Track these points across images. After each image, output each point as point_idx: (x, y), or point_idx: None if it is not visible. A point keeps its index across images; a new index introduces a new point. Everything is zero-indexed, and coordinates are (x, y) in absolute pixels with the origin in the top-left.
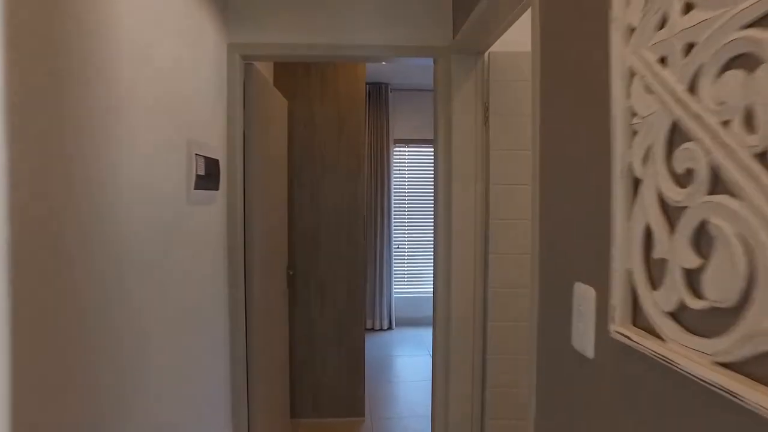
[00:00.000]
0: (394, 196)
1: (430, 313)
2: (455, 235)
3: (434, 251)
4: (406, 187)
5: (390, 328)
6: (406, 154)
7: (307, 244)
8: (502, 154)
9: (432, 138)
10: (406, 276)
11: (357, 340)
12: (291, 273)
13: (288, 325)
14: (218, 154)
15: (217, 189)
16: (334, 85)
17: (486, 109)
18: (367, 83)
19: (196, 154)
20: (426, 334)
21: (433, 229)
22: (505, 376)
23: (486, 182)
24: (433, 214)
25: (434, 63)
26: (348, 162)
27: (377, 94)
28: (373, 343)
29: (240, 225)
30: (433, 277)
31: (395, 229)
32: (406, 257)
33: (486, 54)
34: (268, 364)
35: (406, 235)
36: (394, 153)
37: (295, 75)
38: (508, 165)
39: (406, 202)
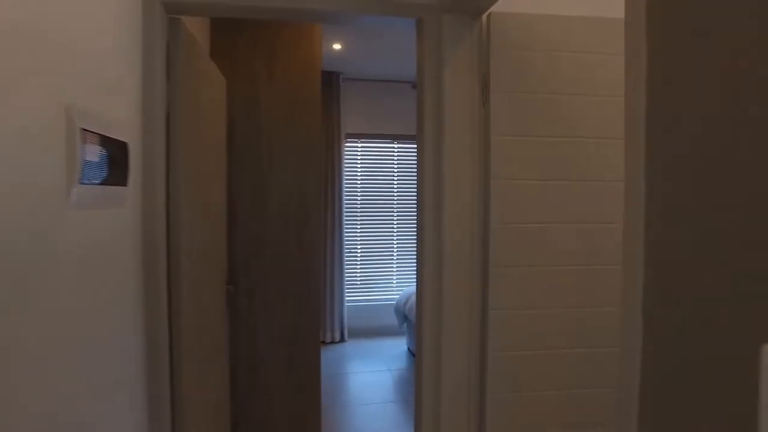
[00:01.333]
0: (346, 195)
1: (386, 322)
2: (447, 246)
3: (419, 271)
4: (359, 185)
5: (342, 340)
6: (359, 149)
7: (250, 252)
8: (506, 141)
9: (389, 132)
10: (359, 282)
11: (311, 358)
12: (231, 289)
13: (228, 352)
14: (126, 134)
15: (124, 184)
16: (284, 62)
17: (486, 86)
18: None
19: (83, 130)
20: (382, 346)
21: (418, 239)
22: None
23: (485, 177)
24: (417, 220)
25: (418, 27)
26: (299, 156)
27: (328, 84)
28: (324, 358)
29: (162, 235)
30: (417, 312)
31: (347, 232)
32: (359, 262)
33: (486, 15)
34: (202, 412)
35: (359, 238)
36: (346, 149)
37: (236, 47)
38: (514, 155)
39: (359, 202)
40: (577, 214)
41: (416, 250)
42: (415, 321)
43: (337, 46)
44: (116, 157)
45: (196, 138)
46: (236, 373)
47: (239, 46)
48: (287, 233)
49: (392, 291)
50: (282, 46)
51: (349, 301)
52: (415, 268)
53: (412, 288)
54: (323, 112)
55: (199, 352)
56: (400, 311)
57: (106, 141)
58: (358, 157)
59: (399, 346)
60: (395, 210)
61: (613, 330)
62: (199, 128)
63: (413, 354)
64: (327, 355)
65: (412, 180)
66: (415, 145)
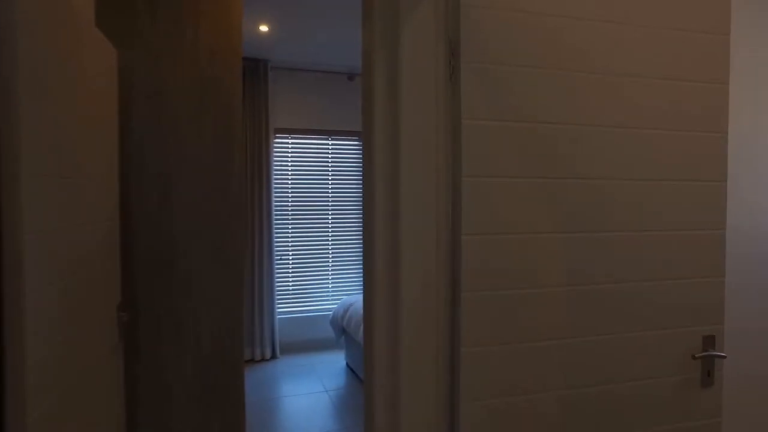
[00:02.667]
0: (276, 196)
1: (321, 335)
2: (405, 268)
3: (366, 300)
4: (290, 185)
5: (274, 357)
6: (290, 146)
7: (155, 269)
8: (481, 127)
9: (323, 128)
10: (291, 292)
11: (233, 393)
12: (125, 316)
13: (124, 394)
14: None
15: None
16: (194, 35)
17: (454, 54)
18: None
19: None
20: (319, 362)
21: (365, 259)
22: None
23: (455, 175)
24: (365, 233)
25: None
26: (218, 152)
27: (254, 72)
28: (253, 379)
29: None
30: (366, 358)
31: (277, 236)
32: (290, 270)
33: None
34: None
35: (290, 244)
36: (275, 145)
37: (133, 11)
38: (492, 145)
39: (290, 203)
40: (567, 220)
41: (364, 274)
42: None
43: (264, 28)
44: None
45: (63, 117)
46: (135, 418)
47: (138, 13)
48: (203, 243)
49: (328, 301)
50: (189, 14)
51: (280, 312)
52: (353, 275)
53: (350, 298)
54: (249, 104)
55: (64, 397)
56: (338, 324)
57: None
58: (289, 155)
59: (337, 361)
60: (330, 212)
61: (622, 362)
62: (67, 105)
63: (353, 370)
64: (256, 375)
65: (348, 179)
66: (352, 142)
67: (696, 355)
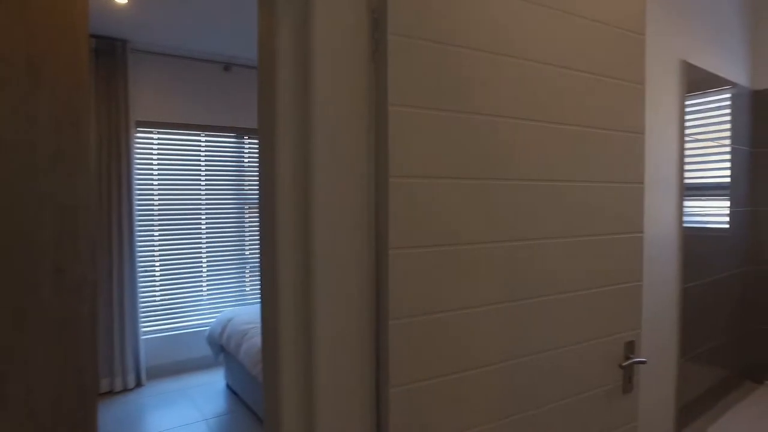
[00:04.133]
0: (139, 200)
1: (196, 354)
2: (320, 290)
3: (265, 329)
4: (156, 186)
5: (138, 385)
6: (155, 141)
7: None
8: (412, 115)
9: (195, 122)
10: (159, 308)
11: None
12: None
13: None
14: None
15: None
16: (19, 6)
17: (378, 25)
18: (92, 36)
19: None
20: (194, 385)
21: (263, 278)
22: None
23: (379, 175)
24: (262, 248)
25: None
26: (47, 139)
27: (109, 53)
28: (112, 417)
29: None
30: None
31: (141, 245)
32: (158, 282)
33: None
34: None
35: (157, 253)
36: (138, 140)
37: None
38: (425, 138)
39: (157, 207)
40: (508, 227)
41: (261, 305)
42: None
43: (121, 0)
44: None
45: None
46: None
47: None
48: (37, 265)
49: (204, 316)
50: None
51: (147, 332)
52: (231, 286)
53: (228, 311)
54: (103, 91)
55: None
56: (215, 341)
57: None
58: (155, 152)
59: (215, 382)
60: (204, 216)
61: (557, 381)
62: None
63: (235, 392)
64: (115, 410)
65: (224, 179)
66: (228, 139)
67: (623, 365)
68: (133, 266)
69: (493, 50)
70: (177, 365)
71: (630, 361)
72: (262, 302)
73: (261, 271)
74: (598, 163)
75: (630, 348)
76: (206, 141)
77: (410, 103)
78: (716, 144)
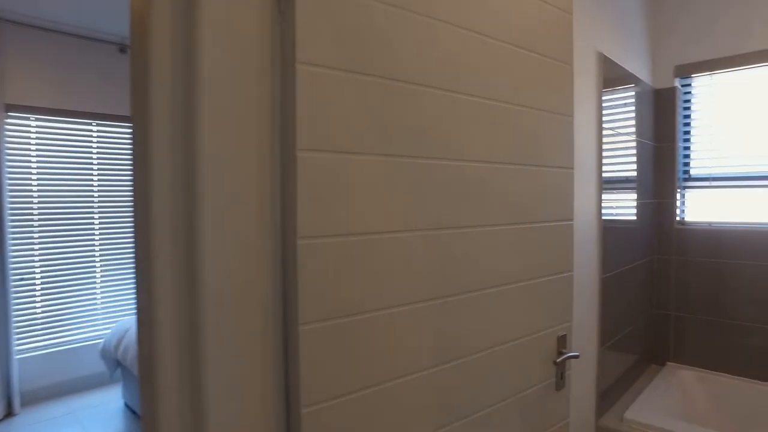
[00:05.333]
0: (13, 198)
1: (88, 371)
2: (210, 286)
3: (142, 340)
4: (36, 182)
5: (10, 414)
6: (33, 129)
7: None
8: (324, 77)
9: (84, 109)
10: (40, 322)
11: None
12: None
13: None
14: None
15: None
16: None
17: None
18: None
19: None
20: (84, 406)
21: (137, 285)
22: None
23: (285, 150)
24: (135, 247)
25: None
26: None
27: None
28: None
29: None
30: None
31: (16, 250)
32: (38, 293)
33: None
34: None
35: (37, 259)
36: (10, 127)
37: None
38: (340, 106)
39: (36, 206)
40: (442, 213)
41: (137, 315)
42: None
43: None
44: None
45: None
46: None
47: None
48: None
49: (97, 328)
50: None
51: (24, 351)
52: (130, 293)
53: (126, 321)
54: None
55: None
56: (110, 355)
57: None
58: (32, 141)
59: (111, 402)
60: (96, 215)
61: (492, 383)
62: None
63: (134, 411)
64: None
65: (121, 175)
66: (125, 129)
67: (557, 361)
68: (4, 275)
69: (417, 11)
70: (63, 386)
71: (564, 357)
72: (137, 322)
73: (137, 284)
74: (529, 145)
75: (562, 342)
76: (99, 131)
77: (323, 62)
78: (626, 138)
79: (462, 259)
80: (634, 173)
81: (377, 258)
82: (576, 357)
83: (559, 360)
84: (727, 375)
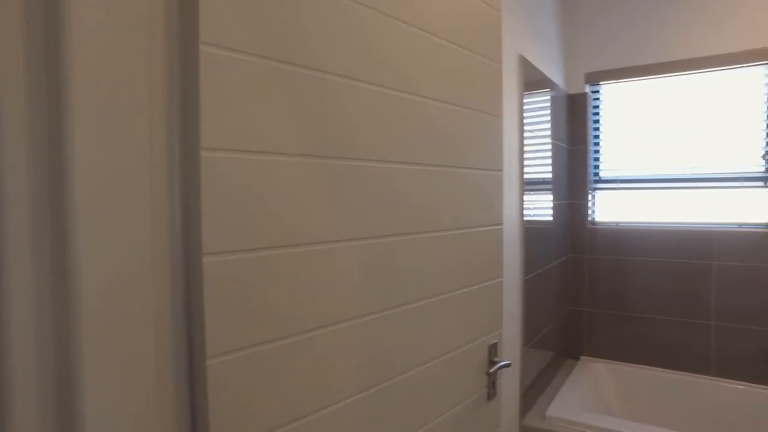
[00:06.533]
0: None
1: None
2: (86, 317)
3: None
4: None
5: None
6: None
7: None
8: (234, 62)
9: None
10: None
11: None
12: None
13: None
14: None
15: None
16: None
17: None
18: None
19: None
20: None
21: None
22: None
23: (186, 145)
24: None
25: None
26: None
27: None
28: None
29: None
30: None
31: None
32: None
33: None
34: None
35: None
36: None
37: None
38: (254, 97)
39: None
40: (367, 221)
41: None
42: None
43: None
44: None
45: None
46: None
47: None
48: None
49: None
50: None
51: None
52: None
53: None
54: None
55: None
56: None
57: None
58: None
59: None
60: None
61: (425, 401)
62: None
63: None
64: None
65: None
66: None
67: (490, 371)
68: None
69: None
70: None
71: (497, 367)
72: None
73: None
74: (458, 146)
75: (494, 351)
76: None
77: (233, 44)
78: (543, 140)
79: (393, 271)
80: (550, 175)
81: (301, 271)
82: (508, 365)
83: (492, 370)
84: (633, 365)
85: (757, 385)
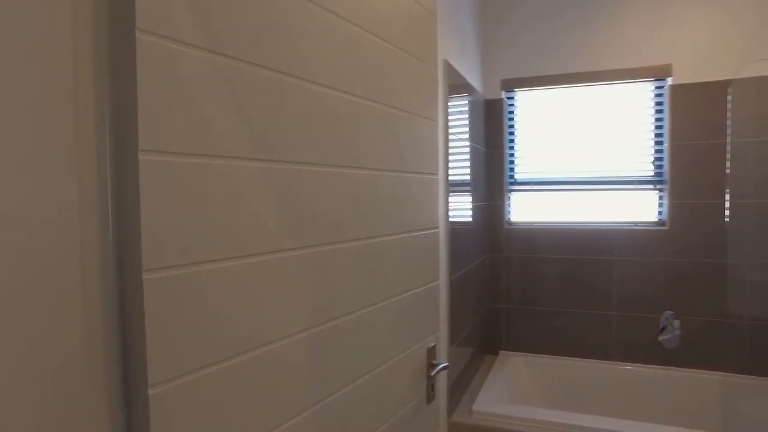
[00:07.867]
0: None
1: None
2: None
3: None
4: None
5: None
6: None
7: None
8: (178, 54)
9: None
10: None
11: None
12: None
13: None
14: None
15: None
16: None
17: None
18: None
19: None
20: None
21: None
22: None
23: (121, 149)
24: None
25: None
26: None
27: None
28: None
29: None
30: None
31: None
32: None
33: None
34: None
35: None
36: None
37: None
38: (200, 95)
39: None
40: (305, 228)
41: None
42: None
43: None
44: None
45: None
46: None
47: None
48: None
49: None
50: None
51: None
52: None
53: None
54: None
55: None
56: None
57: None
58: None
59: None
60: None
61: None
62: None
63: None
64: None
65: None
66: None
67: (431, 374)
68: None
69: None
70: None
71: (437, 369)
72: None
73: None
74: (395, 150)
75: (432, 354)
76: None
77: (174, 34)
78: (463, 143)
79: (335, 280)
80: (469, 177)
81: (245, 287)
82: (446, 368)
83: (433, 373)
84: (547, 356)
85: (651, 366)
